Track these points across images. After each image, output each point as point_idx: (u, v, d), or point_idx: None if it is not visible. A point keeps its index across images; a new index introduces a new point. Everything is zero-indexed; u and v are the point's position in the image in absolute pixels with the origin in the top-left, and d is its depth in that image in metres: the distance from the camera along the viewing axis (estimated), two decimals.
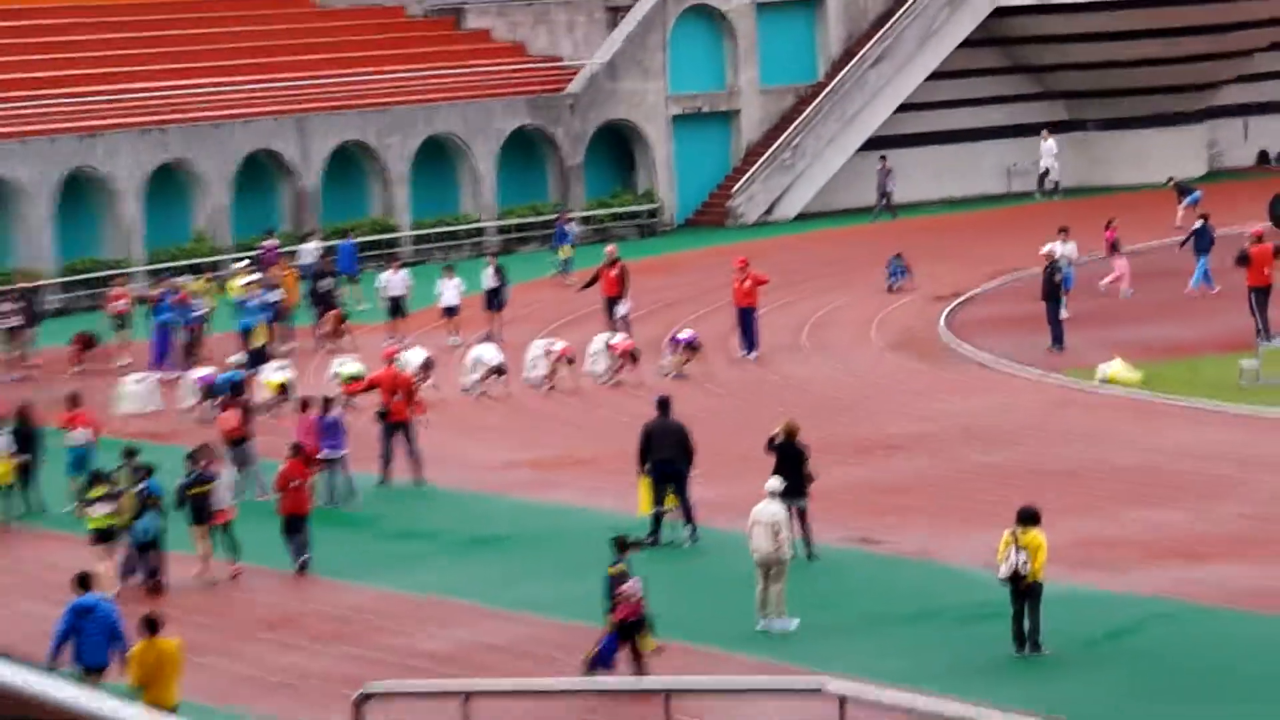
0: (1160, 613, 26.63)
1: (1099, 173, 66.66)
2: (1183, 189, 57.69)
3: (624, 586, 23.87)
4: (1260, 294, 41.22)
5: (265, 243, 54.31)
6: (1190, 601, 26.94)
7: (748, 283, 43.93)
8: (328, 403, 34.21)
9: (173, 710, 20.97)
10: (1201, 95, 67.11)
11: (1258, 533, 29.82)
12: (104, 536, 28.97)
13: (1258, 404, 37.57)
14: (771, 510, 26.79)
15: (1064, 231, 47.89)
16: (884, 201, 61.80)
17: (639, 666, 23.95)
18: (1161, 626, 26.20)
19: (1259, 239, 42.25)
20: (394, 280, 47.52)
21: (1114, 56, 65.24)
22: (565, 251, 54.52)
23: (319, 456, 32.43)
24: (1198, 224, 49.36)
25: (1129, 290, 49.14)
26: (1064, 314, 44.16)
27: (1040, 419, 37.50)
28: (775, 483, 27.41)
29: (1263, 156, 68.49)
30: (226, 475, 30.99)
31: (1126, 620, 26.43)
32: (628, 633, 23.99)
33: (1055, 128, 66.84)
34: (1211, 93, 67.34)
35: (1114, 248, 50.55)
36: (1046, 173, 63.65)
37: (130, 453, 30.34)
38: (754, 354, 43.71)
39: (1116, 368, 40.45)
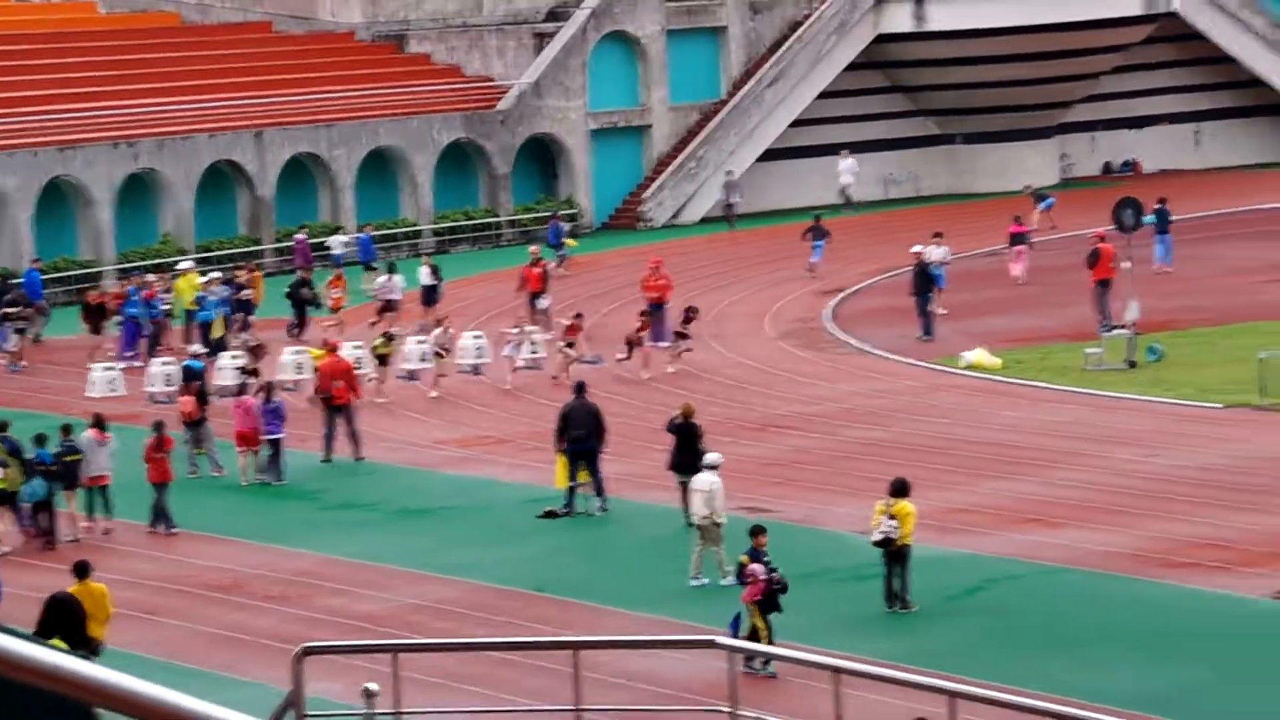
0: (1014, 572, 26.74)
1: (965, 182, 66.89)
2: (1038, 196, 58.05)
3: (753, 566, 23.14)
4: (1104, 287, 41.29)
5: (297, 235, 54.60)
6: (1040, 562, 27.04)
7: (660, 280, 44.15)
8: (270, 389, 34.01)
9: (99, 646, 21.14)
10: (1055, 113, 67.42)
11: (1101, 501, 29.95)
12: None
13: (1101, 387, 37.75)
14: (708, 479, 26.99)
15: (938, 236, 47.95)
16: (730, 213, 61.69)
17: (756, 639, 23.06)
18: (1015, 584, 26.30)
19: (1102, 239, 42.33)
20: (395, 283, 46.37)
21: (980, 78, 65.46)
22: (570, 244, 54.64)
23: (262, 437, 32.74)
24: (1157, 206, 49.84)
25: (1023, 276, 49.27)
26: (938, 310, 44.40)
27: (912, 401, 37.57)
28: (714, 456, 27.54)
29: (1107, 167, 68.92)
30: (107, 447, 30.70)
31: (985, 579, 26.53)
32: (768, 607, 22.89)
33: (927, 141, 67.15)
34: (1063, 110, 67.65)
35: (1018, 240, 50.81)
36: (846, 188, 63.70)
37: (2, 425, 30.33)
38: (664, 345, 43.69)
39: (979, 355, 40.60)
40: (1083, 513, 29.27)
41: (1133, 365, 39.17)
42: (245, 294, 45.86)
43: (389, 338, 39.51)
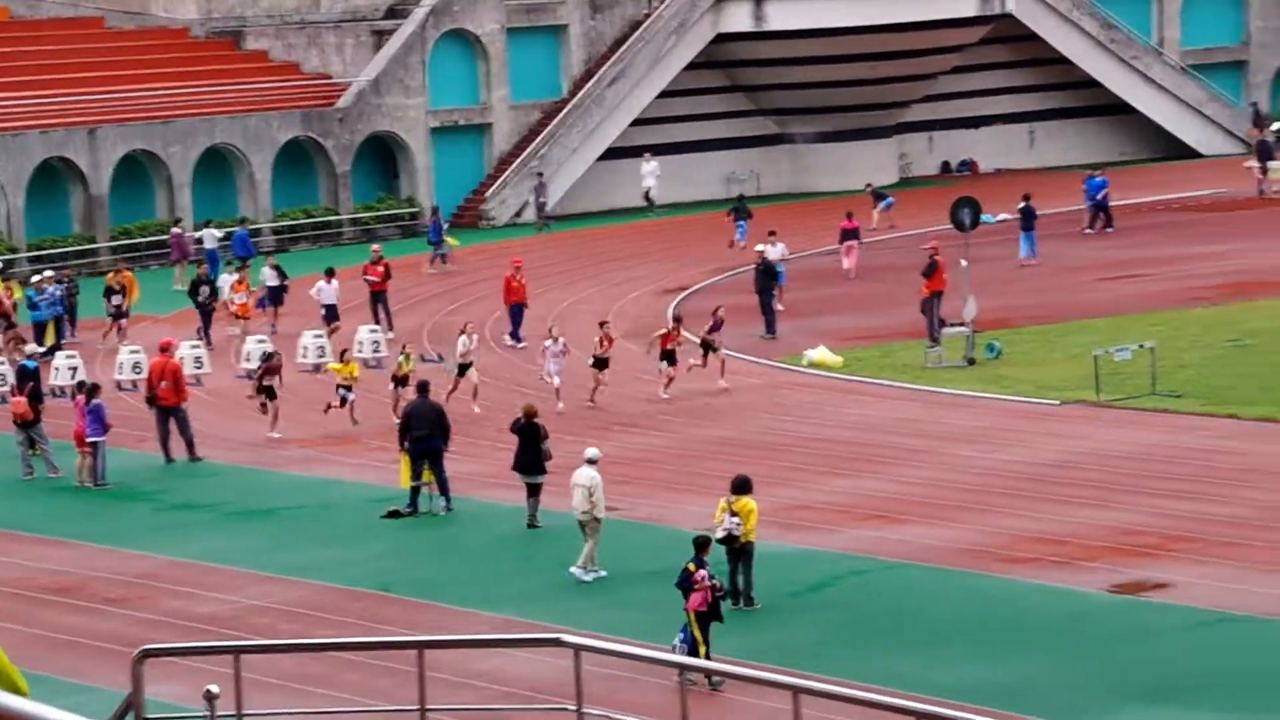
0: (859, 568, 26.91)
1: (806, 180, 67.31)
2: (878, 195, 58.51)
3: (701, 573, 22.85)
4: (937, 298, 41.30)
5: (173, 230, 53.99)
6: (884, 558, 27.25)
7: (519, 280, 44.27)
8: (92, 390, 33.47)
9: None
10: (894, 113, 67.99)
11: (942, 497, 30.22)
12: None
13: (941, 384, 38.09)
14: (588, 474, 27.03)
15: (773, 234, 48.17)
16: (541, 214, 61.69)
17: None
18: (859, 580, 26.47)
19: (937, 250, 42.48)
20: (327, 289, 45.55)
21: (819, 78, 65.88)
22: (451, 242, 54.63)
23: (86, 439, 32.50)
24: (1022, 204, 51.17)
25: (853, 270, 49.90)
26: (778, 307, 44.72)
27: (756, 399, 37.72)
28: (593, 451, 27.73)
29: (945, 167, 69.58)
30: None
31: (829, 575, 26.69)
32: (709, 616, 22.64)
33: (768, 140, 67.50)
34: (902, 110, 68.24)
35: (849, 235, 51.32)
36: (648, 190, 63.94)
37: None
38: (522, 344, 43.79)
39: (821, 353, 40.87)
40: (925, 509, 29.54)
41: (972, 363, 39.56)
42: (59, 290, 45.07)
43: (406, 355, 36.54)
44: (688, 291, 50.82)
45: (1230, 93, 70.90)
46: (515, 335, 43.98)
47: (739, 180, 67.01)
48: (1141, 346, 36.87)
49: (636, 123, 65.16)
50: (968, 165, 69.50)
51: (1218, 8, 71.80)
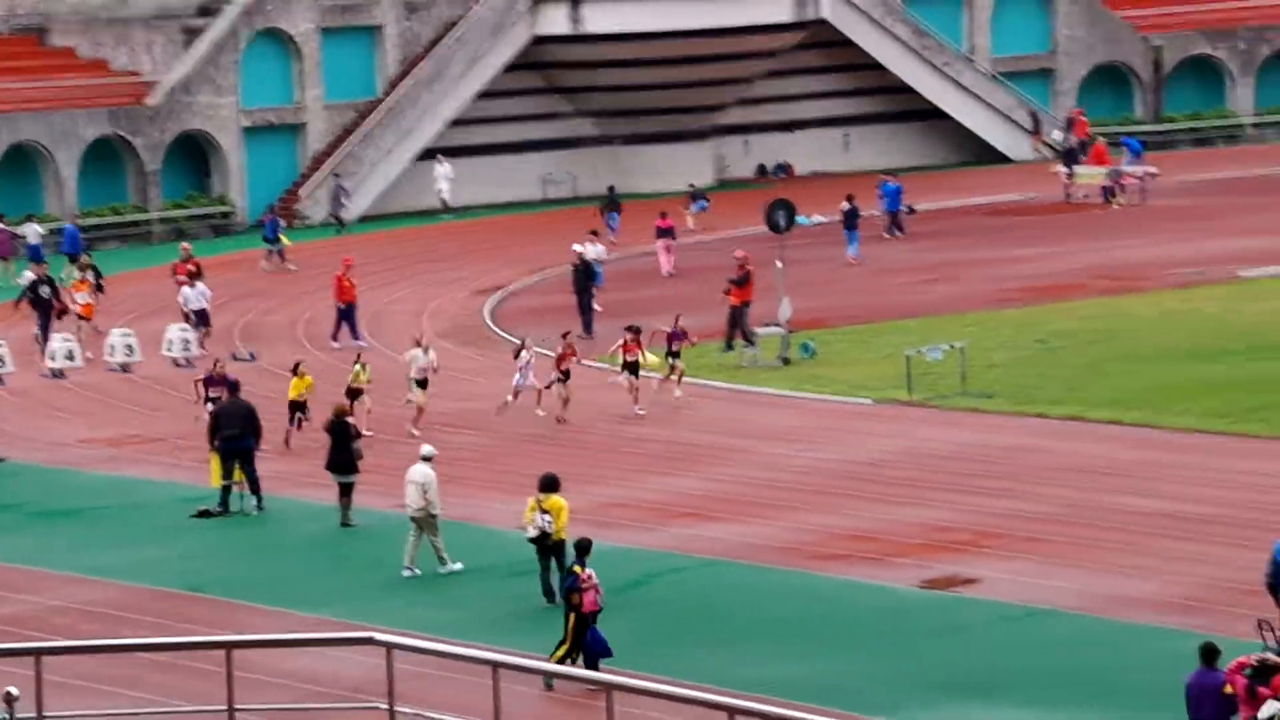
0: (674, 566, 26.92)
1: (623, 182, 67.22)
2: (693, 196, 58.76)
3: (588, 572, 22.57)
4: (746, 308, 41.16)
5: None
6: (700, 555, 27.27)
7: (350, 280, 43.99)
8: None
9: None
10: (710, 115, 68.23)
11: (757, 495, 30.31)
12: None
13: (756, 384, 38.25)
14: (423, 471, 26.93)
15: (593, 234, 48.10)
16: (337, 216, 61.31)
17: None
18: (675, 577, 26.47)
19: (748, 261, 42.36)
20: (193, 294, 44.53)
21: (636, 80, 65.97)
22: (283, 241, 54.15)
23: None
24: (846, 205, 51.90)
25: (669, 270, 50.03)
26: (596, 307, 44.73)
27: (574, 398, 37.63)
28: (428, 449, 27.63)
29: (761, 169, 69.94)
30: None
31: (645, 573, 26.67)
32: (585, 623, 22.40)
33: (586, 142, 67.50)
34: (719, 114, 68.51)
35: (664, 234, 51.58)
36: (441, 193, 63.83)
37: None
38: (361, 344, 43.53)
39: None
40: (741, 506, 29.61)
41: (787, 362, 39.75)
42: None
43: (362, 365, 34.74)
44: (504, 291, 50.71)
45: (1038, 99, 71.87)
46: (354, 334, 43.76)
47: (555, 182, 66.97)
48: (952, 347, 37.23)
49: (455, 124, 64.93)
50: (784, 168, 69.88)
51: (1026, 16, 72.77)
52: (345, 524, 29.36)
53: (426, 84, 64.40)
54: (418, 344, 35.55)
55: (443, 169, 63.58)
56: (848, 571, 26.33)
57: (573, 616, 22.31)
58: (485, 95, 65.27)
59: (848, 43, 68.96)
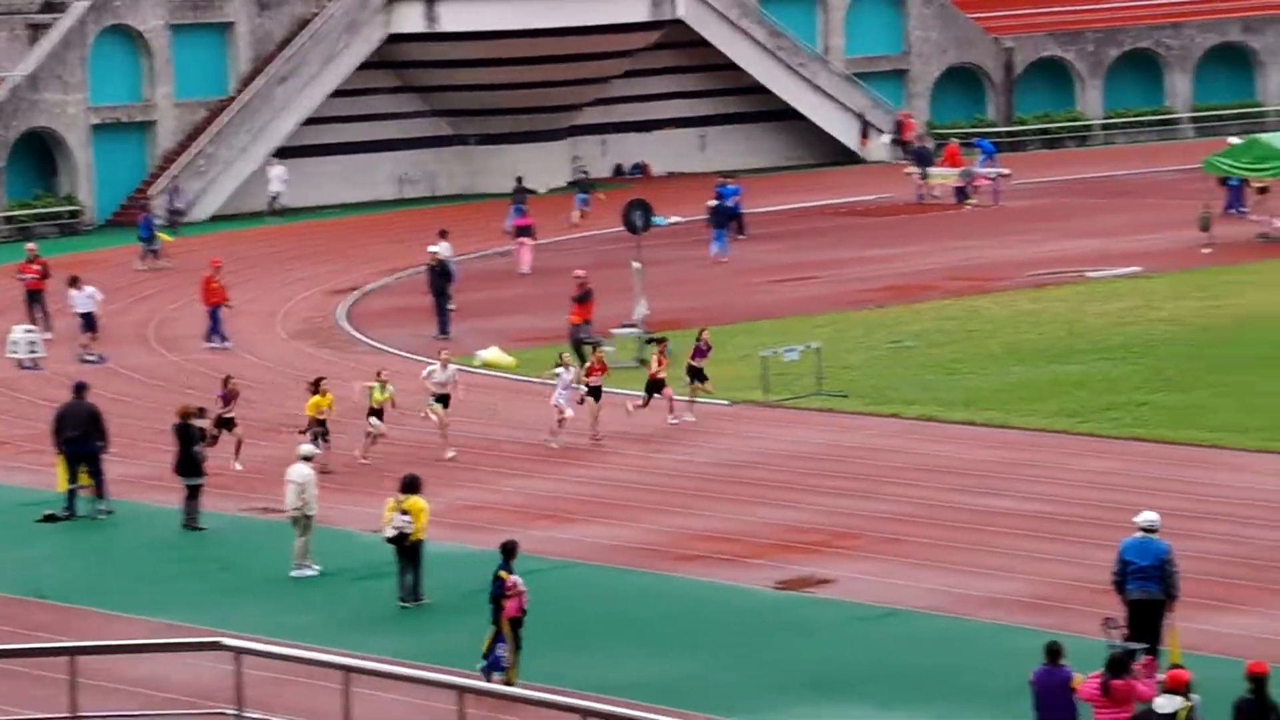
0: (530, 568, 26.78)
1: (479, 183, 67.18)
2: (583, 186, 59.44)
3: (514, 578, 22.31)
4: (586, 326, 40.68)
5: None
6: (556, 558, 27.18)
7: (218, 281, 43.59)
8: None
9: None
10: (566, 115, 68.20)
11: (613, 496, 30.28)
12: None
13: (612, 385, 38.14)
14: (301, 471, 26.81)
15: (443, 234, 47.92)
16: (173, 218, 60.79)
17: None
18: (531, 579, 26.33)
19: (587, 280, 41.81)
20: (79, 297, 43.59)
21: (492, 80, 65.82)
22: (165, 238, 53.68)
23: None
24: (712, 203, 52.51)
25: (527, 267, 50.34)
26: (450, 306, 44.59)
27: (428, 400, 37.44)
28: (308, 448, 27.53)
29: (618, 170, 69.96)
30: None
31: None
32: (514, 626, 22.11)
33: (442, 142, 67.28)
34: (575, 113, 68.48)
35: (522, 232, 51.62)
36: (276, 195, 63.52)
37: None
38: (229, 344, 43.06)
39: (493, 353, 40.78)
40: (596, 508, 29.58)
41: (643, 363, 39.70)
42: None
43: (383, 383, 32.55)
44: (360, 292, 50.41)
45: (892, 100, 72.39)
46: (220, 336, 43.36)
47: (412, 181, 66.71)
48: (808, 347, 37.37)
49: (309, 122, 64.50)
50: (640, 168, 69.97)
51: (880, 18, 73.27)
52: (193, 527, 29.07)
53: (279, 82, 63.92)
54: (438, 359, 33.53)
55: (277, 170, 63.02)
56: (703, 573, 26.34)
57: (508, 622, 22.09)
58: (340, 94, 64.90)
59: (704, 43, 69.14)
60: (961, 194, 61.16)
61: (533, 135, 67.17)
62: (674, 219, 57.22)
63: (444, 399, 32.74)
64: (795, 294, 47.40)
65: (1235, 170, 52.17)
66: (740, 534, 27.97)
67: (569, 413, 32.84)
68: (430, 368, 33.27)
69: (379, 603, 25.45)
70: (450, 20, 64.73)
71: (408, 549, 25.26)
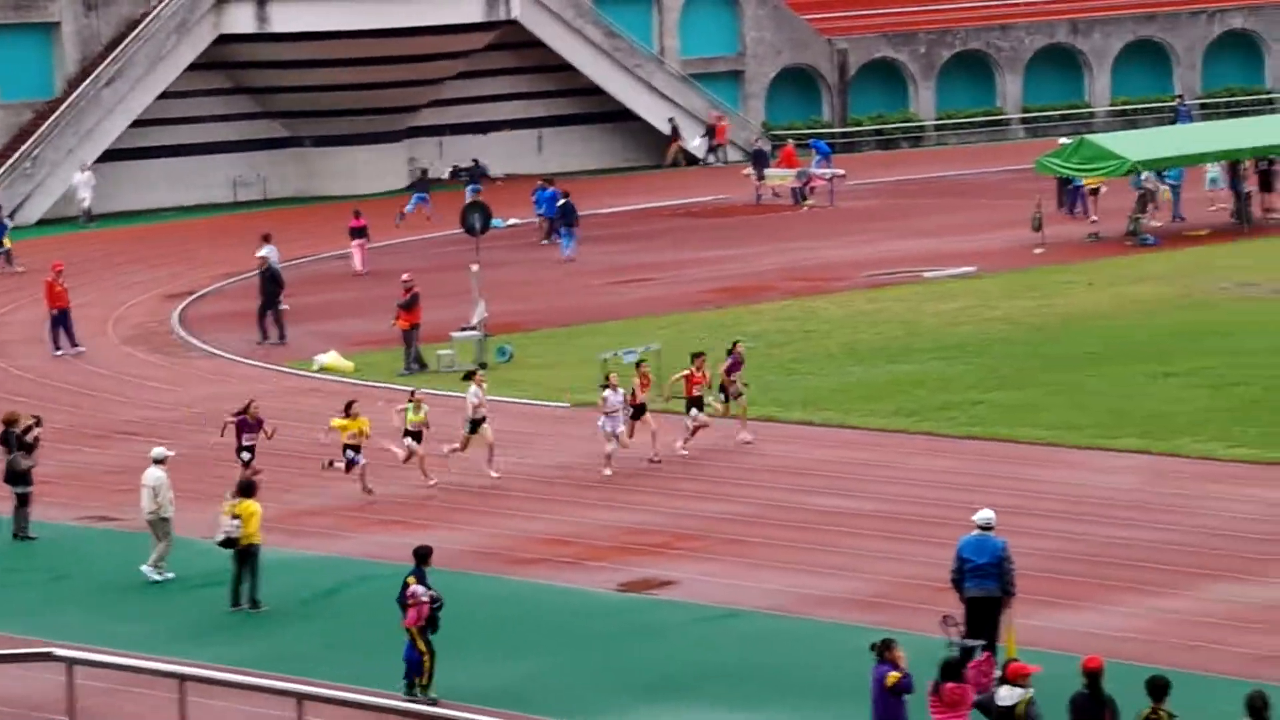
0: (369, 574, 26.66)
1: (314, 185, 66.76)
2: (420, 184, 59.11)
3: (415, 588, 21.95)
4: (415, 331, 40.46)
5: None
6: (393, 563, 27.04)
7: (61, 285, 43.04)
8: None
9: None
10: (402, 117, 67.91)
11: (452, 500, 30.14)
12: None
13: (452, 388, 38.03)
14: (154, 475, 26.64)
15: (266, 238, 47.49)
16: None
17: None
18: (370, 585, 26.21)
19: (413, 284, 41.46)
20: None
21: (326, 81, 65.39)
22: (6, 243, 53.08)
23: None
24: (561, 202, 52.67)
25: (362, 268, 50.55)
26: (282, 308, 44.28)
27: (266, 405, 37.13)
28: (160, 450, 27.28)
29: (455, 171, 69.79)
30: None
31: (337, 580, 26.39)
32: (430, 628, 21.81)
33: (276, 144, 66.75)
34: (411, 115, 68.20)
35: (357, 234, 51.41)
36: (84, 203, 62.92)
37: None
38: (78, 349, 42.45)
39: (331, 358, 40.52)
40: (437, 512, 29.44)
41: (483, 366, 39.59)
42: None
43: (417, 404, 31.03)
44: (194, 296, 49.93)
45: (728, 101, 72.71)
46: (71, 341, 42.81)
47: (246, 184, 66.15)
48: (648, 349, 37.41)
49: (139, 124, 63.78)
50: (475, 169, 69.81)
51: (715, 19, 73.58)
52: (23, 536, 28.65)
53: (107, 83, 63.15)
54: (471, 378, 31.88)
55: (82, 177, 62.13)
56: (545, 576, 26.29)
57: (418, 632, 21.87)
58: (170, 95, 64.21)
59: (540, 44, 69.11)
60: (798, 195, 61.52)
61: (369, 137, 66.84)
62: (513, 221, 57.15)
63: (477, 423, 31.04)
64: (635, 295, 47.47)
65: (1065, 170, 52.86)
66: (582, 536, 27.95)
67: (618, 440, 30.67)
68: (471, 389, 31.40)
69: (215, 610, 25.19)
70: (281, 21, 64.25)
71: (242, 554, 25.06)
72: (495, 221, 47.92)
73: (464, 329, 40.89)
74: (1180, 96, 73.69)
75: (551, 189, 56.19)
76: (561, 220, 53.16)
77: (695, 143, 70.12)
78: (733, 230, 57.01)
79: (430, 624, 21.93)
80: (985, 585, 21.94)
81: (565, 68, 69.93)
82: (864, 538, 27.40)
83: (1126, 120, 69.59)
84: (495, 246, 48.60)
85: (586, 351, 39.59)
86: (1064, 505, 28.19)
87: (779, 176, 62.80)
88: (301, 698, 11.64)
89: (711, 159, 70.27)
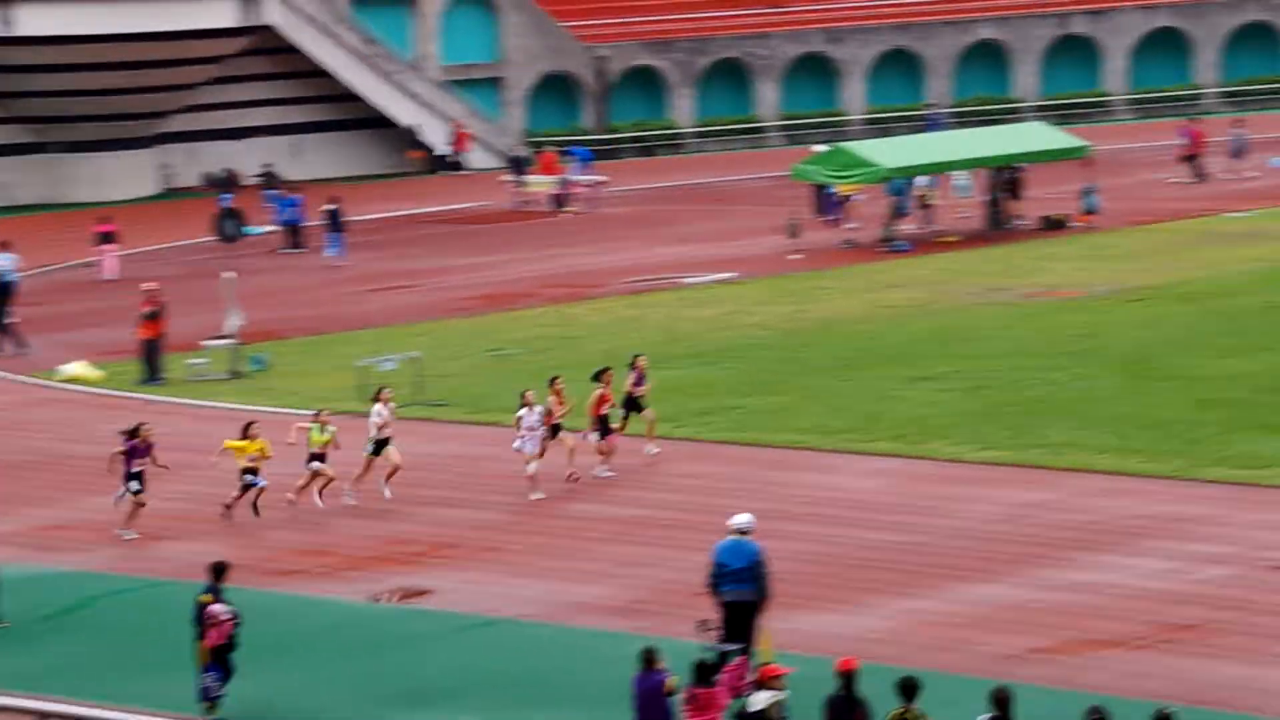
0: (114, 588, 26.20)
1: (62, 191, 65.63)
2: (224, 184, 59.14)
3: (214, 607, 21.24)
4: (158, 342, 39.87)
5: None
6: (142, 576, 26.60)
7: None
8: None
9: None
10: (153, 122, 66.96)
11: (204, 513, 29.69)
12: None
13: (204, 397, 37.68)
14: None
15: (4, 245, 46.49)
16: None
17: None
18: (115, 600, 25.76)
19: (157, 293, 40.81)
20: None
21: (74, 86, 64.28)
22: None
23: None
24: (329, 207, 52.84)
25: (111, 274, 49.71)
26: (12, 319, 43.44)
27: (10, 416, 36.42)
28: None
29: (208, 178, 68.95)
30: None
31: (83, 596, 25.88)
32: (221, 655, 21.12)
33: (22, 150, 65.55)
34: (162, 120, 67.26)
35: (105, 239, 50.72)
36: None
37: None
38: None
39: (79, 368, 39.77)
40: (191, 525, 29.00)
41: (237, 375, 39.17)
42: None
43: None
44: None
45: (489, 108, 72.62)
46: None
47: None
48: (406, 357, 37.23)
49: None
50: (229, 176, 69.06)
51: (475, 26, 73.49)
52: None
53: None
54: (377, 399, 30.20)
55: None
56: (300, 587, 25.99)
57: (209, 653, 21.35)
58: None
59: (296, 50, 68.52)
60: (558, 201, 61.59)
61: (118, 143, 65.82)
62: (268, 228, 56.58)
63: (381, 444, 29.70)
64: (393, 303, 47.20)
65: (821, 178, 53.43)
66: (339, 547, 27.67)
67: (532, 460, 29.35)
68: (376, 407, 29.90)
69: None
70: (27, 24, 63.07)
71: None
72: (249, 229, 47.44)
73: (218, 337, 40.36)
74: (932, 105, 74.87)
75: (292, 196, 55.88)
76: (330, 226, 52.86)
77: (439, 149, 70.00)
78: (492, 237, 56.92)
79: (231, 645, 21.41)
80: (742, 589, 22.04)
81: (323, 74, 69.40)
82: (622, 544, 27.44)
83: (880, 128, 70.54)
84: (250, 254, 48.05)
85: (343, 359, 39.29)
86: (819, 509, 28.45)
87: (539, 183, 62.82)
88: (44, 716, 11.37)
89: (466, 164, 70.08)
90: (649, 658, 19.23)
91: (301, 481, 29.46)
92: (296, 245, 55.07)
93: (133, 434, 28.48)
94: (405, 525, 28.62)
